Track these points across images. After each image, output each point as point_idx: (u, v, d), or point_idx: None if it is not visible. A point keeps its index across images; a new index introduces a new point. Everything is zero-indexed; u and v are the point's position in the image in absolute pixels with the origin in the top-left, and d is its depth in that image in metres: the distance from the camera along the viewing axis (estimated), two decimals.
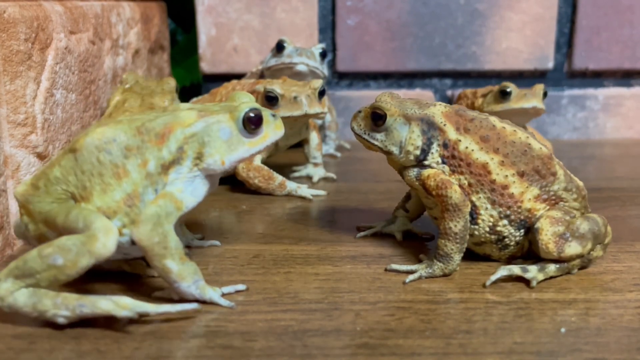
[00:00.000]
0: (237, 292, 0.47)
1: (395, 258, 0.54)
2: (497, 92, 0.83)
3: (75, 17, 0.69)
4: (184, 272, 0.43)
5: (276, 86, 0.69)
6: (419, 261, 0.53)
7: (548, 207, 0.51)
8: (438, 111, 0.52)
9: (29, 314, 0.41)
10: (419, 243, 0.57)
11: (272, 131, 0.48)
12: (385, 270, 0.51)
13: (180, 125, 0.45)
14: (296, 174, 0.80)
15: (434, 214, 0.53)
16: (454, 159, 0.51)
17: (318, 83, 0.71)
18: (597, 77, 1.06)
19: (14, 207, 0.57)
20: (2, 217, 0.55)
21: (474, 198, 0.50)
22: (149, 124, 0.45)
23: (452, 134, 0.51)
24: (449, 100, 1.05)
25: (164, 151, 0.44)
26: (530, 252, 0.52)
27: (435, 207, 0.52)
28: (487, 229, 0.51)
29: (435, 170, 0.51)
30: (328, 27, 1.03)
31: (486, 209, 0.50)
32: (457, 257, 0.50)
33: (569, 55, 1.04)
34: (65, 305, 0.41)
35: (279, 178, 0.72)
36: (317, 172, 0.79)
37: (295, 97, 0.69)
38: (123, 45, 0.87)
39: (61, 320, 0.41)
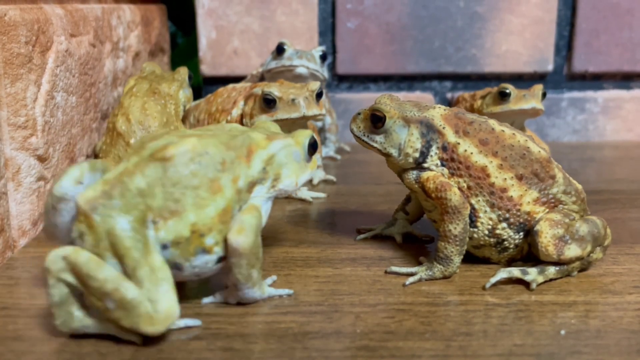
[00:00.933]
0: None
1: (395, 260, 0.54)
2: (496, 93, 0.83)
3: (75, 20, 0.70)
4: (259, 280, 0.45)
5: (274, 89, 0.69)
6: (419, 264, 0.53)
7: (547, 210, 0.51)
8: (437, 114, 0.52)
9: (48, 300, 0.40)
10: (419, 245, 0.57)
11: (316, 158, 0.50)
12: (385, 272, 0.52)
13: (258, 145, 0.45)
14: None
15: (433, 217, 0.53)
16: (453, 161, 0.51)
17: (315, 85, 0.71)
18: (596, 80, 1.06)
19: (14, 210, 0.57)
20: (3, 220, 0.55)
21: (473, 201, 0.50)
22: (233, 141, 0.44)
23: (451, 136, 0.51)
24: (449, 103, 1.05)
25: (251, 168, 0.44)
26: (529, 254, 0.52)
27: (434, 210, 0.52)
28: (486, 232, 0.51)
29: (435, 173, 0.51)
30: (328, 30, 1.03)
31: (485, 212, 0.50)
32: (457, 260, 0.50)
33: (569, 57, 1.04)
34: (80, 322, 0.40)
35: None
36: (317, 175, 0.79)
37: (293, 100, 0.69)
38: (123, 48, 0.87)
39: (63, 330, 0.41)
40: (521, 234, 0.51)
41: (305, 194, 0.72)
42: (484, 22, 1.01)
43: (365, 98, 1.06)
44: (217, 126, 0.48)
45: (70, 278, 0.39)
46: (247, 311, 0.44)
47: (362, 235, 0.59)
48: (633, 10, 1.01)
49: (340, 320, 0.43)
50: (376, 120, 0.52)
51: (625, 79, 1.06)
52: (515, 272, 0.49)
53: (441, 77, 1.06)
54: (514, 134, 0.51)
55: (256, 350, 0.40)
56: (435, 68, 1.04)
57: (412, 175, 0.52)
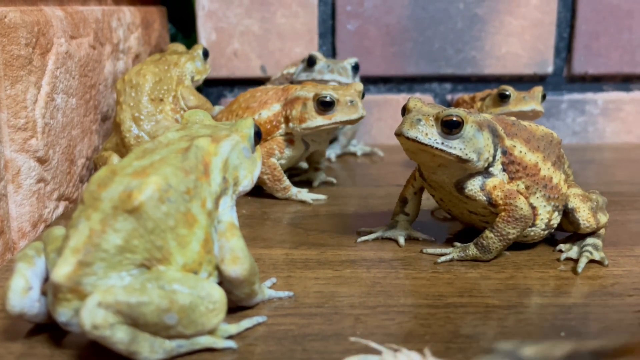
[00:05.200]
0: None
1: (395, 262, 0.54)
2: (495, 95, 0.83)
3: (75, 22, 0.70)
4: (260, 289, 0.45)
5: (331, 91, 0.69)
6: (421, 266, 0.53)
7: (567, 186, 0.56)
8: (490, 118, 0.53)
9: (115, 349, 0.36)
10: (419, 247, 0.57)
11: (259, 148, 0.49)
12: (421, 252, 0.55)
13: (209, 154, 0.43)
14: (296, 178, 0.80)
15: (479, 218, 0.55)
16: (512, 164, 0.52)
17: (360, 86, 0.71)
18: (596, 82, 1.06)
19: (14, 212, 0.57)
20: (3, 222, 0.55)
21: (532, 200, 0.53)
22: (187, 162, 0.41)
23: (507, 140, 0.52)
24: (449, 105, 1.05)
25: (212, 185, 0.42)
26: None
27: (488, 215, 0.54)
28: (543, 227, 0.54)
29: (499, 180, 0.52)
30: (328, 32, 1.03)
31: (544, 207, 0.53)
32: (495, 254, 0.53)
33: (569, 59, 1.04)
34: (163, 349, 0.38)
35: (286, 182, 0.72)
36: (317, 176, 0.79)
37: (351, 101, 0.69)
38: (123, 49, 0.87)
39: None
40: (561, 214, 0.55)
41: (305, 196, 0.72)
42: (484, 24, 1.02)
43: (366, 100, 1.06)
44: (156, 143, 0.44)
45: (120, 318, 0.36)
46: (247, 313, 0.44)
47: (362, 238, 0.59)
48: (633, 12, 1.01)
49: (340, 322, 0.43)
50: (453, 126, 0.49)
51: (624, 81, 1.06)
52: (590, 256, 0.53)
53: (441, 78, 1.06)
54: (536, 125, 0.55)
55: (256, 352, 0.40)
56: (435, 70, 1.04)
57: (476, 182, 0.52)
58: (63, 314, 0.38)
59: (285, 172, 0.73)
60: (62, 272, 0.37)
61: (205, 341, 0.39)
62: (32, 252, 0.42)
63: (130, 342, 0.36)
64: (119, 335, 0.36)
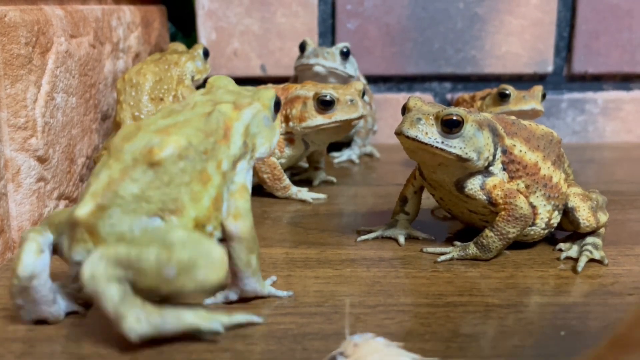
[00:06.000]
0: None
1: (395, 261, 0.54)
2: (495, 94, 0.83)
3: (75, 21, 0.70)
4: (258, 267, 0.45)
5: (331, 90, 0.69)
6: (420, 266, 0.53)
7: (567, 185, 0.56)
8: (489, 117, 0.53)
9: (104, 308, 0.38)
10: (419, 246, 0.57)
11: (279, 117, 0.50)
12: (421, 251, 0.55)
13: (231, 119, 0.44)
14: (296, 177, 0.80)
15: (479, 217, 0.55)
16: (512, 163, 0.52)
17: (360, 85, 0.71)
18: (596, 81, 1.06)
19: (14, 211, 0.57)
20: (3, 221, 0.55)
21: (532, 199, 0.53)
22: (208, 125, 0.43)
23: (507, 139, 0.53)
24: (449, 104, 1.05)
25: (232, 148, 0.44)
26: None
27: (489, 215, 0.54)
28: (543, 226, 0.54)
29: (500, 179, 0.52)
30: (328, 31, 1.03)
31: (544, 206, 0.53)
32: (495, 253, 0.53)
33: (569, 59, 1.04)
34: (148, 321, 0.38)
35: (286, 181, 0.72)
36: (318, 176, 0.79)
37: (351, 100, 0.69)
38: (123, 49, 0.87)
39: (132, 336, 0.38)
40: (561, 213, 0.55)
41: (306, 195, 0.72)
42: (484, 24, 1.01)
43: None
44: (183, 105, 0.46)
45: (120, 272, 0.38)
46: (245, 310, 0.44)
47: (362, 237, 0.59)
48: (632, 11, 1.01)
49: (340, 321, 0.43)
50: (453, 125, 0.49)
51: (624, 80, 1.06)
52: (588, 255, 0.53)
53: (441, 78, 1.06)
54: (536, 125, 0.55)
55: (256, 351, 0.40)
56: (435, 69, 1.04)
57: (476, 181, 0.52)
58: (78, 253, 0.40)
59: (285, 171, 0.73)
60: (83, 210, 0.39)
61: (192, 319, 0.40)
62: (39, 227, 0.43)
63: (120, 303, 0.37)
64: (111, 292, 0.37)
